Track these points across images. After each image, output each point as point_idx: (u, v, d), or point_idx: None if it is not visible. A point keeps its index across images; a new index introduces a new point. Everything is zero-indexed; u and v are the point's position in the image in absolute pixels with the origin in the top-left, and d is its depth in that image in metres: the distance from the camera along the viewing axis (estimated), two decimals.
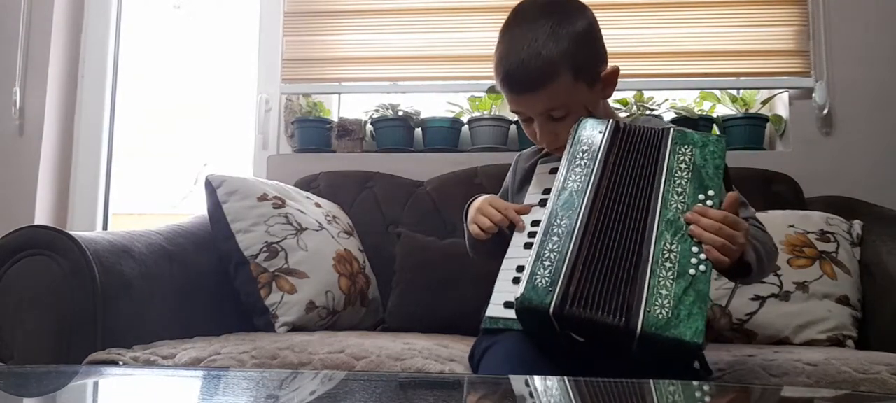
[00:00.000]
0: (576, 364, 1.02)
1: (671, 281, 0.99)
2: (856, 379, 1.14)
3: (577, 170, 1.09)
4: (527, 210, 1.19)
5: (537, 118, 1.21)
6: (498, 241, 1.22)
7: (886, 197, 1.90)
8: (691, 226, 1.01)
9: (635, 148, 1.10)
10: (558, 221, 1.05)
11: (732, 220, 1.02)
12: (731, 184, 1.11)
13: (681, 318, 0.96)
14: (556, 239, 1.04)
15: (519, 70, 1.16)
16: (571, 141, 1.14)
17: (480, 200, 1.28)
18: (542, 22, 1.16)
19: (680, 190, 1.05)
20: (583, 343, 1.02)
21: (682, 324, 0.96)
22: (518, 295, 1.02)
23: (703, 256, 1.00)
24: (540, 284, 1.01)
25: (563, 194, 1.08)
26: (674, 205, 1.04)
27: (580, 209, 1.05)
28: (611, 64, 1.24)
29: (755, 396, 0.90)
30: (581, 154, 1.11)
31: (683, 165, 1.07)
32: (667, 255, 1.00)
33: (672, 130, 1.10)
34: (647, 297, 0.98)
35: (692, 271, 0.99)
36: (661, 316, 0.97)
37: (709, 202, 1.04)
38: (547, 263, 1.02)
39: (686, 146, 1.08)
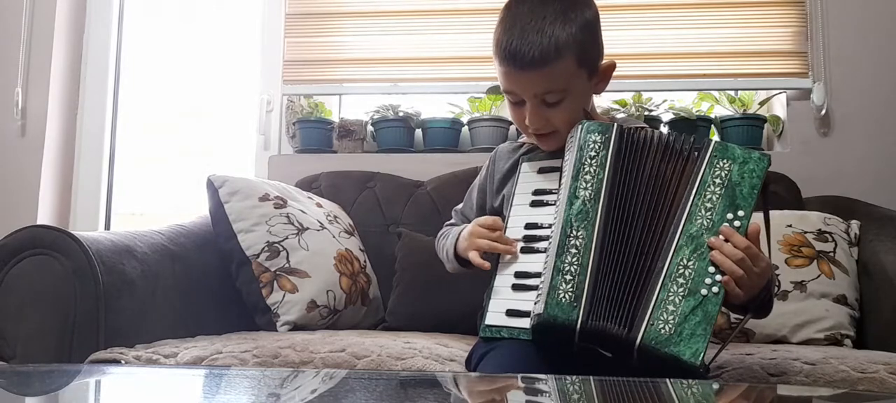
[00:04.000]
0: (575, 372, 1.03)
1: (680, 298, 0.97)
2: (854, 379, 1.14)
3: (588, 176, 1.05)
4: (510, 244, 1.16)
5: (530, 100, 1.17)
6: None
7: (884, 197, 1.90)
8: (713, 251, 0.98)
9: (648, 152, 1.06)
10: (575, 233, 1.02)
11: (754, 253, 0.99)
12: (768, 203, 1.07)
13: (683, 337, 0.95)
14: (574, 251, 1.01)
15: (524, 45, 1.12)
16: (574, 145, 1.09)
17: (462, 239, 1.23)
18: (553, 3, 1.14)
19: (709, 205, 1.01)
20: (579, 352, 1.02)
21: (682, 343, 0.95)
22: (538, 310, 1.01)
23: (718, 278, 0.97)
24: (564, 299, 0.99)
25: (575, 203, 1.04)
26: (699, 221, 1.01)
27: (596, 220, 1.03)
28: (607, 60, 1.23)
29: (753, 395, 0.90)
30: (588, 159, 1.06)
31: (718, 180, 1.02)
32: (681, 271, 0.99)
33: (714, 142, 1.05)
34: (652, 310, 0.97)
35: (704, 291, 0.97)
36: (663, 331, 0.96)
37: (737, 223, 1.00)
38: (568, 277, 1.00)
39: (725, 160, 1.03)
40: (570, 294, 1.00)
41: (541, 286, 1.04)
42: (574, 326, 0.99)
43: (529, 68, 1.13)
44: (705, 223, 1.01)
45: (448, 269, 1.37)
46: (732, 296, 0.99)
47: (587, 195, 1.05)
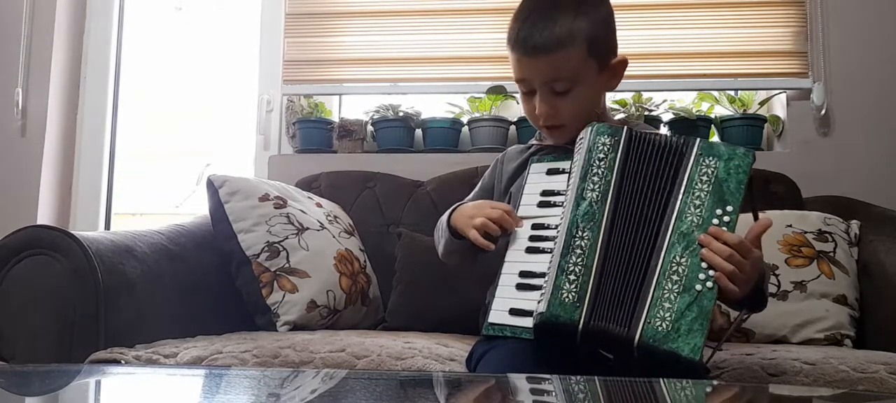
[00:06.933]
0: (575, 372, 1.03)
1: (676, 295, 0.98)
2: (853, 379, 1.14)
3: (595, 178, 1.06)
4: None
5: (540, 88, 1.20)
6: (471, 247, 1.20)
7: (884, 197, 1.90)
8: (703, 249, 1.00)
9: (649, 155, 1.07)
10: (580, 234, 1.03)
11: (745, 248, 1.00)
12: (753, 199, 1.09)
13: (680, 333, 0.96)
14: (579, 251, 1.02)
15: (535, 30, 1.16)
16: (583, 146, 1.10)
17: (468, 207, 1.24)
18: None
19: (698, 202, 1.03)
20: (583, 353, 1.02)
21: (680, 339, 0.96)
22: (541, 309, 1.01)
23: (711, 273, 0.99)
24: (567, 299, 1.00)
25: (581, 204, 1.05)
26: (689, 218, 1.02)
27: (602, 221, 1.04)
28: (619, 57, 1.25)
29: (753, 395, 0.90)
30: (597, 161, 1.08)
31: (705, 178, 1.04)
32: (675, 268, 1.00)
33: (698, 140, 1.07)
34: (649, 308, 0.98)
35: (698, 286, 0.98)
36: (661, 328, 0.97)
37: (726, 218, 1.01)
38: (572, 277, 1.01)
39: (711, 158, 1.05)
40: (573, 294, 1.01)
41: (545, 285, 1.04)
42: (576, 326, 0.99)
43: (539, 53, 1.17)
44: (695, 220, 1.02)
45: (441, 252, 1.35)
46: (728, 292, 1.00)
47: (594, 196, 1.06)
